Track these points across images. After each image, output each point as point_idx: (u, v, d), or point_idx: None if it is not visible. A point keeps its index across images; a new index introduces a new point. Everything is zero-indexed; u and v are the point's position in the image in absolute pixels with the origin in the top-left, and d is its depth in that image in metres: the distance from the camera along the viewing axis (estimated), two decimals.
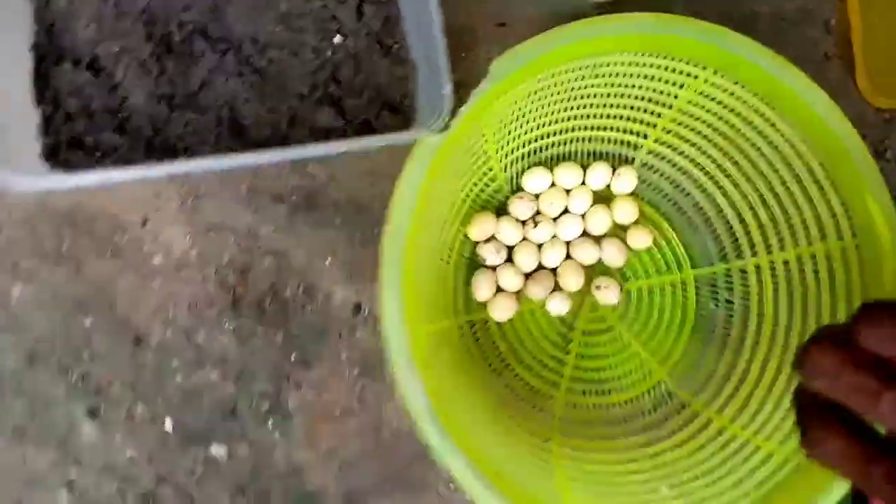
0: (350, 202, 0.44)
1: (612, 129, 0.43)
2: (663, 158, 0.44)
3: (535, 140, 0.43)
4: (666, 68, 0.38)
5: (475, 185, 0.43)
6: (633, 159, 0.45)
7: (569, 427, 0.42)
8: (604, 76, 0.38)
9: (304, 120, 0.42)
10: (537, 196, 0.45)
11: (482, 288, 0.43)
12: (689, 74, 0.38)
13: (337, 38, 0.43)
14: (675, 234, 0.46)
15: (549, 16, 0.47)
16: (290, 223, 0.44)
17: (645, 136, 0.43)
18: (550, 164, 0.45)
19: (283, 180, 0.44)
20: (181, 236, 0.43)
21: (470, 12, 0.46)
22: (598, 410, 0.43)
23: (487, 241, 0.44)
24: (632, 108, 0.41)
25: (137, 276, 0.42)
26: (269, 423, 0.43)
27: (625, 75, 0.39)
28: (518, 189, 0.45)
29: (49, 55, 0.40)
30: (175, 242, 0.43)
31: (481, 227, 0.43)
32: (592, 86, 0.39)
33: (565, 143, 0.44)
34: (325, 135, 0.42)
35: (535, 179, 0.44)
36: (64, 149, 0.40)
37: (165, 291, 0.42)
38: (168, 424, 0.42)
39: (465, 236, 0.44)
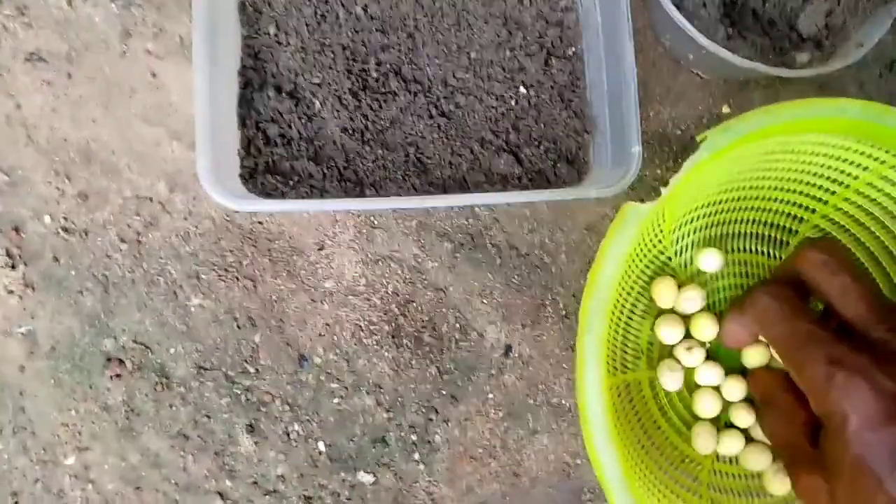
0: (510, 246, 0.46)
1: (781, 201, 0.45)
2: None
3: (706, 216, 0.45)
4: (855, 150, 0.39)
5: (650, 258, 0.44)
6: (797, 231, 0.46)
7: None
8: (791, 152, 0.40)
9: (483, 164, 0.44)
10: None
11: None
12: (876, 158, 0.39)
13: (521, 89, 0.45)
14: None
15: (717, 82, 0.48)
16: (452, 261, 0.45)
17: (813, 211, 0.44)
18: (718, 241, 0.46)
19: (451, 219, 0.46)
20: (353, 264, 0.44)
21: (645, 70, 0.48)
22: (744, 480, 0.44)
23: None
24: (808, 183, 0.42)
25: (308, 299, 0.44)
26: (416, 454, 0.44)
27: (811, 153, 0.40)
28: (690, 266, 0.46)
29: (254, 81, 0.43)
30: (346, 269, 0.44)
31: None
32: (776, 161, 0.41)
33: (731, 222, 0.46)
34: (502, 180, 0.44)
35: (707, 258, 0.45)
36: (261, 172, 0.42)
37: (332, 315, 0.44)
38: (321, 446, 0.44)
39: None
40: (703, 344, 0.45)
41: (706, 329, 0.43)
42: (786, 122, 0.36)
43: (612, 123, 0.42)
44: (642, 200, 0.35)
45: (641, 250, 0.42)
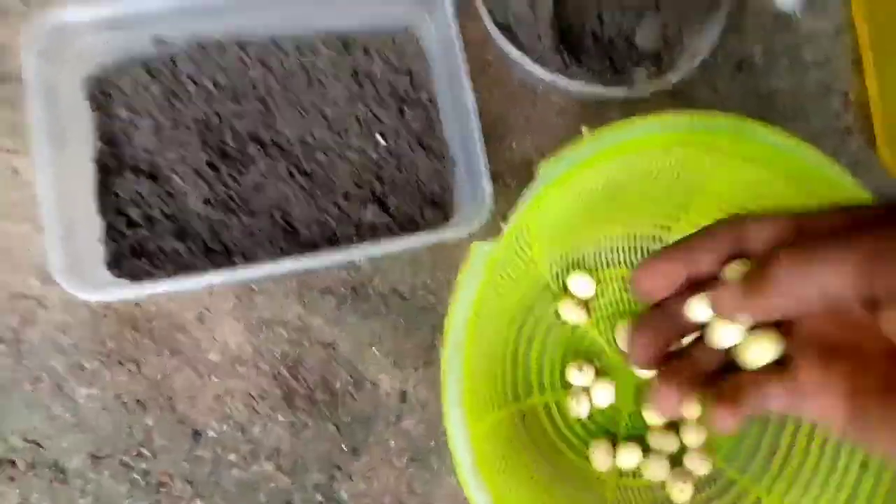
0: (394, 293, 0.47)
1: (645, 213, 0.46)
2: None
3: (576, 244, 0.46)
4: (698, 161, 0.40)
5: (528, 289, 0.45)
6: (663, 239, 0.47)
7: None
8: (639, 171, 0.41)
9: (350, 218, 0.45)
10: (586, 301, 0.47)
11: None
12: (721, 165, 0.40)
13: (380, 139, 0.46)
14: None
15: (573, 105, 0.49)
16: (338, 315, 0.46)
17: (678, 220, 0.45)
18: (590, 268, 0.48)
19: (332, 274, 0.46)
20: (236, 332, 0.45)
21: (502, 101, 0.49)
22: (650, 493, 0.45)
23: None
24: (665, 195, 0.44)
25: (195, 373, 0.44)
26: None
27: (659, 169, 0.41)
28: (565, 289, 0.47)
29: (110, 165, 0.44)
30: (230, 338, 0.45)
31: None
32: (628, 180, 0.42)
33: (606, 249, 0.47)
34: (372, 230, 0.45)
35: (577, 282, 0.46)
36: (127, 256, 0.43)
37: (222, 387, 0.44)
38: None
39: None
40: (591, 362, 0.46)
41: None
42: (618, 144, 0.37)
43: (467, 163, 0.43)
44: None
45: (513, 282, 0.43)
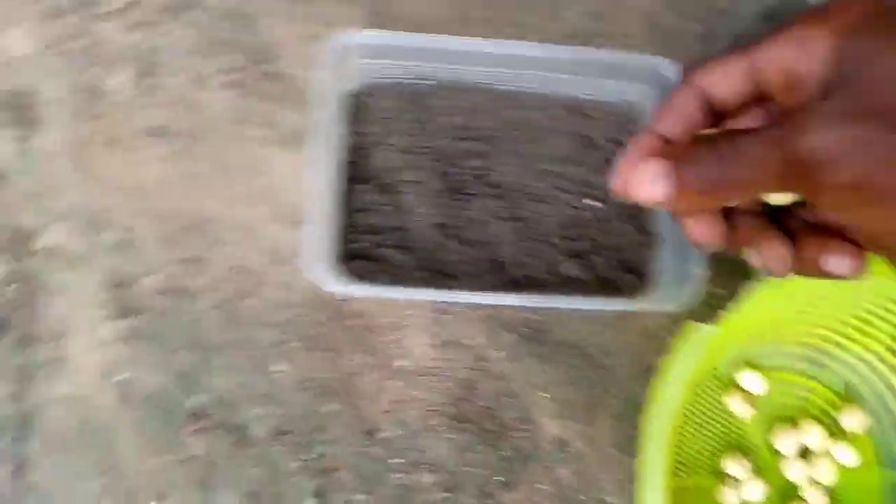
0: (572, 345, 0.49)
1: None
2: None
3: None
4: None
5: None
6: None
7: None
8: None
9: (553, 267, 0.48)
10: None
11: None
12: None
13: (590, 201, 0.49)
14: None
15: None
16: (516, 352, 0.49)
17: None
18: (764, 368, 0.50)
19: (518, 313, 0.49)
20: (424, 346, 0.48)
21: None
22: None
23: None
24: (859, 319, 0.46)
25: (382, 375, 0.48)
26: None
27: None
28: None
29: (354, 174, 0.48)
30: (417, 350, 0.48)
31: None
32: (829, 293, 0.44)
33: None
34: (570, 283, 0.48)
35: (750, 379, 0.48)
36: (354, 257, 0.47)
37: (402, 393, 0.48)
38: None
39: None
40: (748, 456, 0.48)
41: None
42: None
43: (676, 242, 0.46)
44: (706, 318, 0.39)
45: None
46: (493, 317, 0.49)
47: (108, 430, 0.46)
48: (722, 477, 0.47)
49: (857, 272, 0.28)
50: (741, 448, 0.49)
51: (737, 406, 0.48)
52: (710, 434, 0.48)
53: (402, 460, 0.47)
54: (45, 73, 0.49)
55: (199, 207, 0.48)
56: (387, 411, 0.47)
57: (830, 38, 0.26)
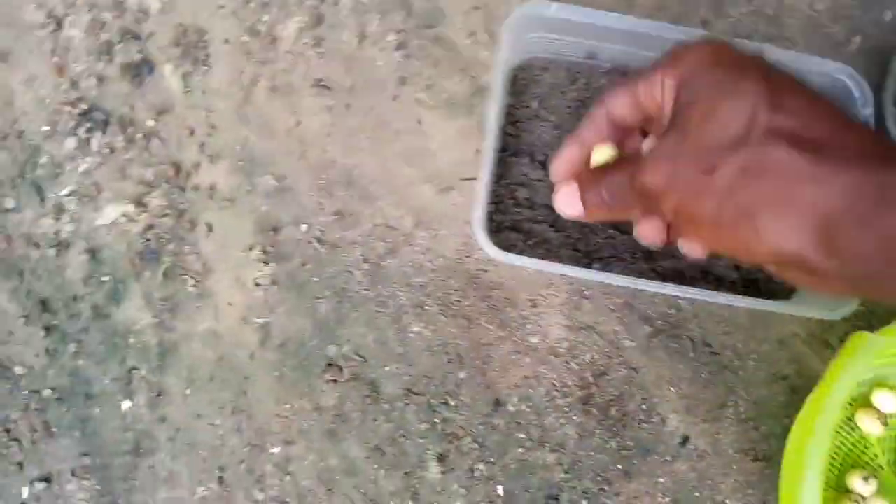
0: (704, 343, 0.49)
1: None
2: None
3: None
4: None
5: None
6: None
7: None
8: None
9: (703, 264, 0.48)
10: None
11: None
12: None
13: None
14: None
15: None
16: (648, 344, 0.49)
17: None
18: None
19: (655, 305, 0.49)
20: (559, 326, 0.48)
21: None
22: None
23: None
24: None
25: (513, 349, 0.48)
26: None
27: None
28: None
29: (511, 146, 0.48)
30: (552, 330, 0.48)
31: None
32: None
33: None
34: (717, 280, 0.48)
35: (885, 398, 0.47)
36: (506, 228, 0.47)
37: (532, 370, 0.48)
38: (500, 490, 0.46)
39: None
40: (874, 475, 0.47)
41: None
42: None
43: None
44: (870, 327, 0.38)
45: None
46: (630, 306, 0.49)
47: (245, 371, 0.47)
48: (846, 493, 0.47)
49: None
50: (866, 466, 0.48)
51: (867, 423, 0.47)
52: (837, 448, 0.47)
53: (526, 436, 0.47)
54: (218, 13, 0.50)
55: (355, 162, 0.49)
56: (516, 385, 0.47)
57: (673, 82, 0.30)
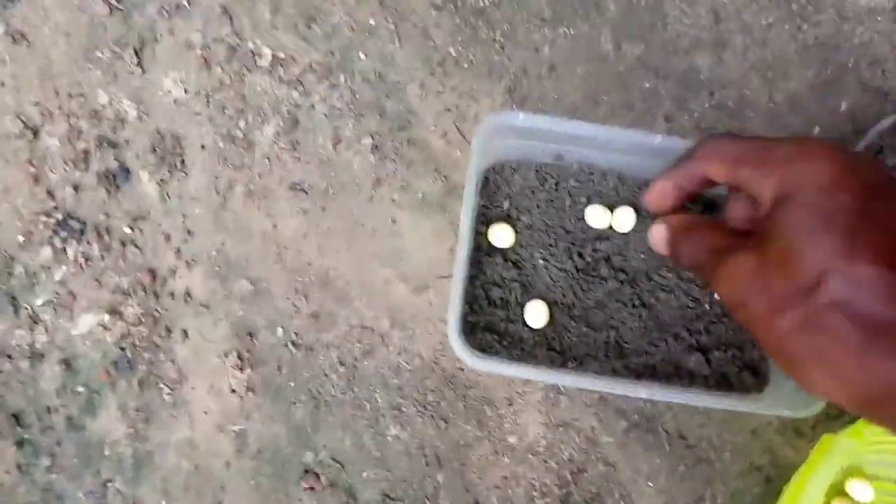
0: (680, 435, 0.49)
1: None
2: None
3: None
4: None
5: None
6: None
7: None
8: None
9: (674, 358, 0.48)
10: None
11: None
12: None
13: (715, 295, 0.49)
14: None
15: None
16: (625, 439, 0.49)
17: None
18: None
19: (630, 400, 0.49)
20: (536, 424, 0.48)
21: None
22: None
23: None
24: None
25: (491, 449, 0.47)
26: None
27: None
28: None
29: (483, 246, 0.49)
30: (530, 428, 0.48)
31: None
32: None
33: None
34: (689, 376, 0.48)
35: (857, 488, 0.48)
36: (480, 329, 0.47)
37: (511, 470, 0.47)
38: None
39: None
40: None
41: None
42: None
43: None
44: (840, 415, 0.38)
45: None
46: (606, 401, 0.49)
47: (221, 480, 0.46)
48: None
49: None
50: None
51: None
52: None
53: None
54: (195, 119, 0.50)
55: (330, 263, 0.49)
56: (496, 486, 0.47)
57: (775, 186, 0.31)
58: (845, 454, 0.38)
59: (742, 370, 0.48)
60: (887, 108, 0.53)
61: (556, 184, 0.50)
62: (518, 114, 0.46)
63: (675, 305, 0.49)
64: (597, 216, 0.49)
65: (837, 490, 0.48)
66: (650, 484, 0.48)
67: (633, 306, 0.48)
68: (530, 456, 0.47)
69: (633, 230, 0.50)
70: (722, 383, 0.48)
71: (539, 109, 0.47)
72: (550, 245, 0.49)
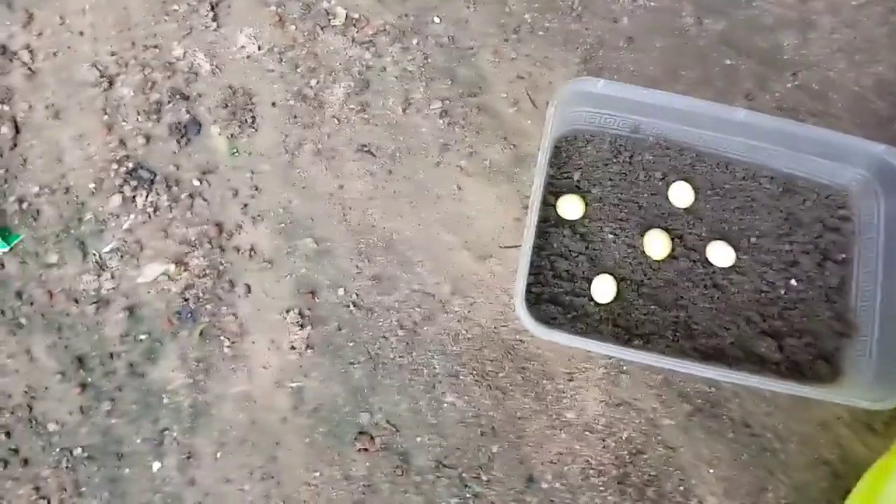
0: (744, 423, 0.47)
1: None
2: None
3: None
4: None
5: None
6: None
7: None
8: None
9: (745, 342, 0.46)
10: None
11: None
12: None
13: (792, 281, 0.47)
14: None
15: None
16: (687, 423, 0.46)
17: None
18: None
19: (694, 383, 0.47)
20: (595, 402, 0.46)
21: None
22: None
23: None
24: None
25: (548, 423, 0.46)
26: None
27: None
28: None
29: (551, 217, 0.47)
30: (589, 405, 0.46)
31: None
32: None
33: None
34: (760, 361, 0.46)
35: None
36: (545, 300, 0.45)
37: (567, 446, 0.46)
38: None
39: None
40: None
41: None
42: None
43: (884, 337, 0.44)
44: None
45: None
46: (669, 382, 0.47)
47: (276, 436, 0.45)
48: None
49: None
50: None
51: None
52: None
53: None
54: (267, 76, 0.50)
55: (395, 227, 0.48)
56: (551, 461, 0.45)
57: None
58: None
59: (816, 359, 0.46)
60: None
61: (631, 156, 0.48)
62: (598, 80, 0.44)
63: (748, 289, 0.47)
64: (681, 194, 0.47)
65: None
66: (711, 470, 0.46)
67: (706, 287, 0.46)
68: (588, 433, 0.46)
69: (704, 201, 0.48)
70: (794, 371, 0.45)
71: (611, 79, 0.45)
72: (621, 219, 0.47)
